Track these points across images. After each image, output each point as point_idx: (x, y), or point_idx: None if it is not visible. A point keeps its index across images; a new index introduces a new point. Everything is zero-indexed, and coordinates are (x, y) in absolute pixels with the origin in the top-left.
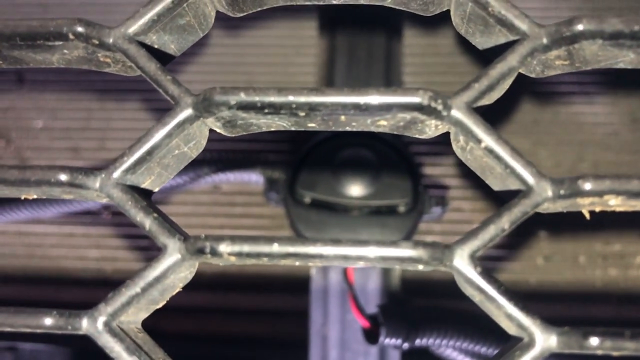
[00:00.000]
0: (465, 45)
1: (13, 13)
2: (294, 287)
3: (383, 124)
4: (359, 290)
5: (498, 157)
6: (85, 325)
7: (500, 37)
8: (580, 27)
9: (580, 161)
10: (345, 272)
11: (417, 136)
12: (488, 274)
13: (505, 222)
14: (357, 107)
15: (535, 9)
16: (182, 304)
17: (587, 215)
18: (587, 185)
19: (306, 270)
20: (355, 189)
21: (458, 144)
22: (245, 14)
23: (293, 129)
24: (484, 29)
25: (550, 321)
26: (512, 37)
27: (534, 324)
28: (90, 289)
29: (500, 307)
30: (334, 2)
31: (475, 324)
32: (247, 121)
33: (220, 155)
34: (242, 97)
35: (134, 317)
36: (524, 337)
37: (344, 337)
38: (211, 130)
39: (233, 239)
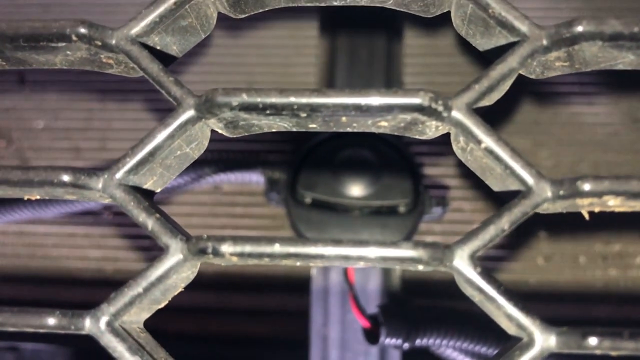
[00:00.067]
0: (465, 46)
1: (14, 13)
2: (295, 287)
3: (384, 125)
4: (360, 290)
5: (498, 158)
6: (88, 325)
7: (501, 39)
8: (580, 28)
9: (580, 161)
10: (345, 272)
11: (417, 137)
12: (488, 274)
13: (505, 222)
14: (358, 108)
15: (536, 9)
16: (182, 304)
17: (587, 216)
18: (586, 186)
19: (307, 271)
20: (356, 189)
21: (458, 145)
22: (246, 15)
23: (294, 129)
24: (485, 31)
25: (550, 321)
26: (512, 39)
27: (533, 324)
28: (91, 289)
29: (500, 307)
30: (335, 3)
31: (475, 324)
32: (248, 122)
33: (221, 155)
34: (244, 98)
35: (136, 317)
36: (524, 337)
37: (344, 337)
38: (212, 131)
39: (235, 240)
